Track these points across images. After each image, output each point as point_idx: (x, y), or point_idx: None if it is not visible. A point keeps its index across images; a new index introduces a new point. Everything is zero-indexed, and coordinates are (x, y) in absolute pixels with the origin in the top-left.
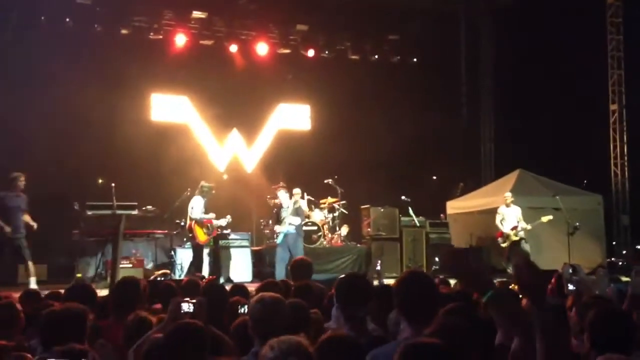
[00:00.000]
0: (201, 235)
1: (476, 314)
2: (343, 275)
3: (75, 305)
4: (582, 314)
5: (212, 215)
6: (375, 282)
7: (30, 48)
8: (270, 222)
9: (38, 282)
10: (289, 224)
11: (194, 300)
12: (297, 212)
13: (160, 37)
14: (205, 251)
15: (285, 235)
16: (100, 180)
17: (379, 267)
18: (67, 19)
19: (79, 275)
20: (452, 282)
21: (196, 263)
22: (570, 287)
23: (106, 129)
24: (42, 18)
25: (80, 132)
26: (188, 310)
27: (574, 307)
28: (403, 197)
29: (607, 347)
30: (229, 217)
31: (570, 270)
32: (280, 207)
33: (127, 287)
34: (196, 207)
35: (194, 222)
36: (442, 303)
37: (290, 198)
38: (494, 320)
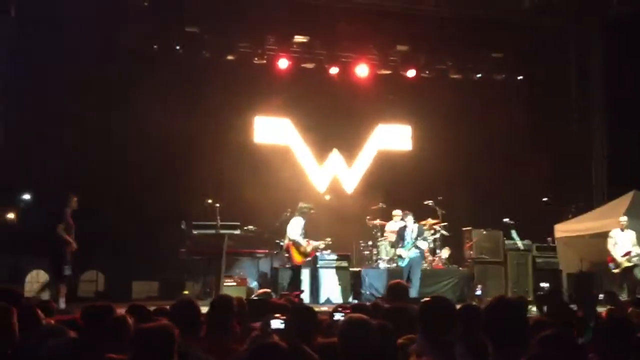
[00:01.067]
0: (297, 256)
1: (575, 342)
2: (427, 299)
3: (164, 324)
4: None
5: (308, 242)
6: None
7: (145, 75)
8: (392, 245)
9: (150, 298)
10: (415, 248)
11: (284, 317)
12: (424, 236)
13: (264, 61)
14: (306, 272)
15: (410, 259)
16: (208, 201)
17: (479, 292)
18: (177, 47)
19: (186, 292)
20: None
21: (294, 283)
22: None
23: (213, 152)
24: (155, 47)
25: (189, 154)
26: (278, 327)
27: None
28: (506, 220)
29: None
30: (328, 239)
31: None
32: (403, 230)
33: (221, 306)
34: (294, 228)
35: (291, 242)
36: (537, 329)
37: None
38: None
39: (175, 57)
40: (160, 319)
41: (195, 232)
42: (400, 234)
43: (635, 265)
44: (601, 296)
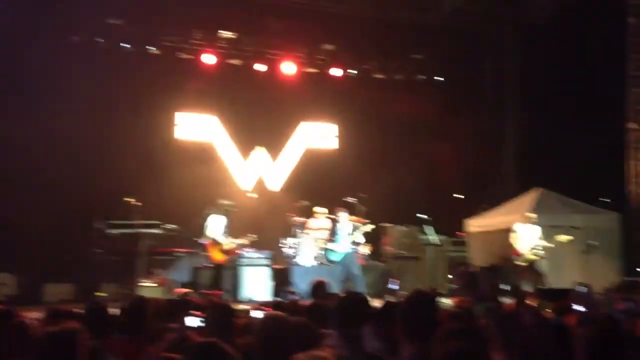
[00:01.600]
0: (217, 255)
1: (478, 334)
2: (341, 296)
3: (68, 327)
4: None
5: (228, 239)
6: (391, 300)
7: (62, 66)
8: (323, 240)
9: (63, 301)
10: (353, 243)
11: (202, 315)
12: (360, 232)
13: (190, 56)
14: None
15: (346, 254)
16: (126, 199)
17: (395, 286)
18: (99, 38)
19: (102, 293)
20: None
21: (215, 282)
22: (577, 307)
23: (132, 148)
24: (74, 38)
25: (105, 150)
26: (197, 324)
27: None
28: (421, 215)
29: None
30: (253, 236)
31: (585, 290)
32: (334, 226)
33: (135, 307)
34: (214, 226)
35: (210, 241)
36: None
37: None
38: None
39: (97, 50)
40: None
41: (112, 231)
42: (332, 229)
43: (539, 258)
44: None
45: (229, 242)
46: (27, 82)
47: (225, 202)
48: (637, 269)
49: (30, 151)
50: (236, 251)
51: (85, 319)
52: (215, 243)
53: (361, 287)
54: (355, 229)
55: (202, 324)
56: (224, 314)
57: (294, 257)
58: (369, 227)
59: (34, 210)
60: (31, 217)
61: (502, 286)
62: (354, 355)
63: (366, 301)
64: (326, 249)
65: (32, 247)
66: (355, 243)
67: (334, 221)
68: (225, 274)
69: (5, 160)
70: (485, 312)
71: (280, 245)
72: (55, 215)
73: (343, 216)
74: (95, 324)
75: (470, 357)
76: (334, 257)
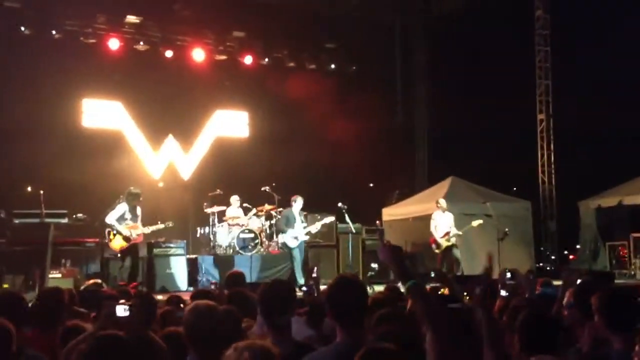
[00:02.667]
0: (114, 242)
1: (405, 319)
2: (266, 283)
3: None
4: (512, 317)
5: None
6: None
7: None
8: (275, 228)
9: None
10: (307, 234)
11: (129, 303)
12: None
13: (93, 41)
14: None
15: (302, 242)
16: (29, 188)
17: (315, 274)
18: None
19: (5, 285)
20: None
21: (127, 272)
22: (503, 292)
23: (35, 135)
24: None
25: (7, 137)
26: (123, 313)
27: (504, 311)
28: (339, 204)
29: (537, 349)
30: (169, 222)
31: (509, 275)
32: (289, 213)
33: (50, 298)
34: (112, 213)
35: (108, 228)
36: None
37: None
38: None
39: None
40: None
41: (16, 221)
42: (287, 216)
43: (453, 245)
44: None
45: (126, 230)
46: None
47: (132, 190)
48: (550, 256)
49: None
50: (140, 239)
51: None
52: (114, 229)
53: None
54: (306, 220)
55: (127, 314)
56: (148, 304)
57: (210, 246)
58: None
59: None
60: None
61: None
62: (283, 344)
63: (292, 289)
64: (283, 235)
65: None
66: (309, 234)
67: (290, 208)
68: (140, 264)
69: None
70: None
71: (195, 234)
72: None
73: (298, 203)
74: (11, 316)
75: (404, 339)
76: (291, 244)
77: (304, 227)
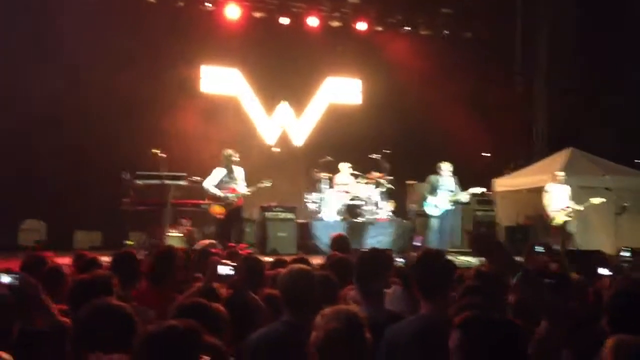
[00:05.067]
0: (215, 207)
1: (496, 293)
2: (363, 251)
3: (101, 274)
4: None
5: (232, 190)
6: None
7: (83, 18)
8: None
9: (92, 248)
10: (453, 202)
11: (233, 264)
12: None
13: (213, 8)
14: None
15: (447, 210)
16: (152, 151)
17: (418, 243)
18: None
19: (130, 242)
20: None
21: (220, 233)
22: (605, 271)
23: (157, 101)
24: None
25: (131, 104)
26: (227, 273)
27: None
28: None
29: (622, 328)
30: (266, 182)
31: (627, 254)
32: (437, 181)
33: (161, 256)
34: (209, 177)
35: (208, 194)
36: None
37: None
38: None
39: (117, 2)
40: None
41: (139, 182)
42: (432, 184)
43: (569, 220)
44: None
45: (222, 194)
46: (50, 35)
47: (227, 152)
48: None
49: (61, 103)
50: (239, 202)
51: (114, 267)
52: (211, 195)
53: (444, 245)
54: (454, 187)
55: (232, 273)
56: (253, 266)
57: (318, 212)
58: (389, 185)
59: (65, 161)
60: (62, 166)
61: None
62: (374, 311)
63: (388, 257)
64: (425, 202)
65: (62, 195)
66: (456, 202)
67: (437, 174)
68: (251, 227)
69: (37, 111)
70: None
71: (304, 200)
72: (85, 165)
73: (445, 171)
74: (124, 273)
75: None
76: (432, 211)
77: (453, 195)
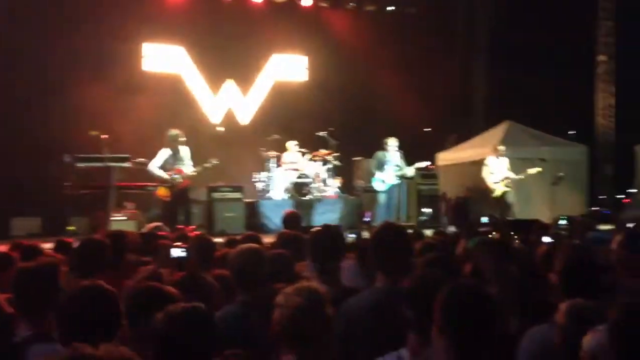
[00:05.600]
0: (159, 189)
1: (454, 265)
2: (316, 228)
3: (47, 261)
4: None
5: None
6: (365, 234)
7: None
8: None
9: (32, 235)
10: (400, 177)
11: (185, 245)
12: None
13: None
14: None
15: (393, 185)
16: (93, 132)
17: (368, 219)
18: None
19: (71, 228)
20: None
21: (167, 215)
22: (547, 238)
23: (97, 80)
24: None
25: (70, 81)
26: (179, 255)
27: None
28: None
29: (576, 292)
30: (213, 160)
31: (564, 223)
32: (380, 158)
33: (114, 241)
34: (154, 160)
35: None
36: (422, 254)
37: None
38: (478, 267)
39: None
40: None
41: (81, 165)
42: (378, 159)
43: (508, 191)
44: (486, 219)
45: (176, 172)
46: None
47: (171, 132)
48: (604, 200)
49: None
50: (184, 183)
51: (75, 255)
52: (156, 177)
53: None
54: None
55: (184, 255)
56: (204, 246)
57: (266, 191)
58: (336, 162)
59: (1, 145)
60: None
61: (482, 218)
62: (331, 288)
63: (341, 234)
64: (372, 177)
65: None
66: (402, 177)
67: (383, 150)
68: (199, 208)
69: None
70: (478, 245)
71: (252, 179)
72: (23, 149)
73: (392, 146)
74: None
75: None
76: (379, 187)
77: (399, 170)
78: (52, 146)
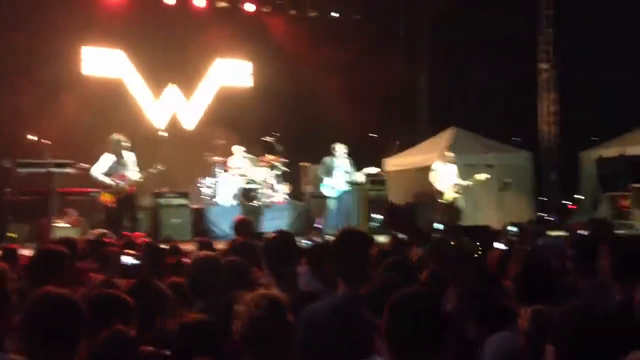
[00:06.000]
0: (104, 195)
1: (410, 270)
2: (271, 235)
3: None
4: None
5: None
6: (318, 239)
7: None
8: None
9: None
10: (350, 183)
11: (136, 253)
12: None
13: None
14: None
15: (344, 192)
16: (29, 137)
17: (319, 225)
18: None
19: (12, 234)
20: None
21: (112, 222)
22: (500, 245)
23: (35, 84)
24: None
25: (8, 85)
26: (131, 263)
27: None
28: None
29: (531, 299)
30: (159, 166)
31: (513, 228)
32: (331, 162)
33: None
34: (97, 165)
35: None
36: (378, 260)
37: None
38: (432, 271)
39: None
40: None
41: (21, 170)
42: (326, 165)
43: (457, 197)
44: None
45: (111, 181)
46: None
47: (115, 137)
48: (550, 206)
49: None
50: (131, 190)
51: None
52: (100, 183)
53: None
54: (349, 168)
55: (136, 262)
56: (155, 253)
57: (213, 196)
58: (282, 167)
59: None
60: None
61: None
62: (289, 294)
63: (294, 240)
64: (321, 183)
65: None
66: (352, 183)
67: (331, 155)
68: (144, 214)
69: None
70: (431, 250)
71: (198, 185)
72: None
73: (340, 152)
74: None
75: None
76: (329, 193)
77: (349, 176)
78: None
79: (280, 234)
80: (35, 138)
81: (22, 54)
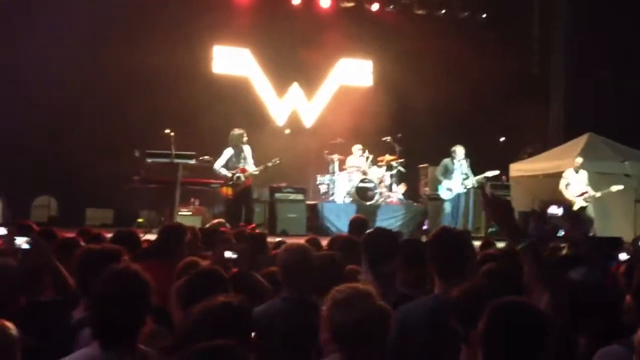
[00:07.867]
0: (224, 188)
1: (514, 279)
2: (370, 231)
3: (110, 246)
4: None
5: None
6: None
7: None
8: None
9: (104, 225)
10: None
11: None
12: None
13: None
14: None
15: (458, 194)
16: (165, 131)
17: (426, 227)
18: None
19: (140, 220)
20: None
21: (230, 213)
22: (624, 255)
23: (170, 81)
24: None
25: (143, 82)
26: (231, 257)
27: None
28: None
29: None
30: (276, 159)
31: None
32: (451, 164)
33: (169, 233)
34: (219, 160)
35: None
36: (483, 262)
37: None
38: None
39: None
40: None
41: (149, 160)
42: (445, 167)
43: (586, 206)
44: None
45: (240, 172)
46: (66, 14)
47: (235, 132)
48: None
49: (75, 81)
50: (247, 182)
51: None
52: (220, 176)
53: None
54: (467, 170)
55: (235, 257)
56: (256, 240)
57: (329, 194)
58: (401, 168)
59: (77, 138)
60: (74, 144)
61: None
62: (386, 292)
63: (395, 238)
64: (438, 185)
65: (74, 173)
66: (469, 186)
67: (451, 158)
68: (262, 207)
69: (50, 90)
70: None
71: (315, 181)
72: (98, 143)
73: (459, 154)
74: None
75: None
76: (446, 195)
77: (466, 179)
78: (128, 143)
79: (379, 230)
80: (172, 133)
81: (159, 57)
